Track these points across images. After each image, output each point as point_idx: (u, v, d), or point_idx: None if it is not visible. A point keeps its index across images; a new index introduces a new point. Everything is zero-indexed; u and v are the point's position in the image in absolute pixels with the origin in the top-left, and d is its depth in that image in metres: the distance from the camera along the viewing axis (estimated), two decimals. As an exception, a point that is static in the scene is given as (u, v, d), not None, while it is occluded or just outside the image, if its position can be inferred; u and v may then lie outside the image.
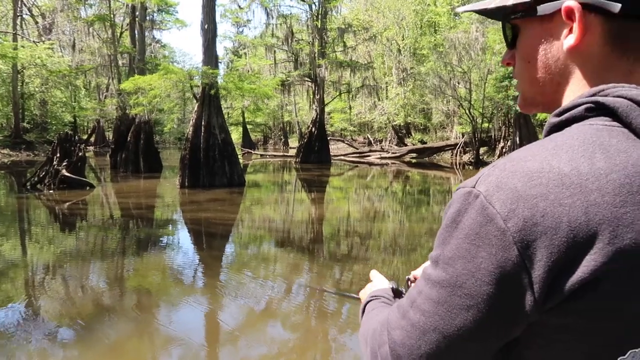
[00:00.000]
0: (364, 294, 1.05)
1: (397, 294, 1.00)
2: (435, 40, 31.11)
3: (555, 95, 0.70)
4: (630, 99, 0.59)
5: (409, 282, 1.07)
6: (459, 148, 31.20)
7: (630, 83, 0.62)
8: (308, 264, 7.25)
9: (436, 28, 33.15)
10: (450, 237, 0.61)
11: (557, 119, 0.65)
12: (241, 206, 13.09)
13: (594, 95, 0.62)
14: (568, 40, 0.65)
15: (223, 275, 6.71)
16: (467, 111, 28.50)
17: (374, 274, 1.11)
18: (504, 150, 28.96)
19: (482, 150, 29.30)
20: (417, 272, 1.05)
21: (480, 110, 28.30)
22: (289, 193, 16.42)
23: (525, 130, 25.73)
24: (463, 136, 31.47)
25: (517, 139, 25.79)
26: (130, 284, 6.06)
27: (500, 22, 0.75)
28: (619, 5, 0.60)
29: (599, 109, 0.61)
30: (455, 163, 28.88)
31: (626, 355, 0.56)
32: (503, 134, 29.65)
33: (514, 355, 0.62)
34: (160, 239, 8.91)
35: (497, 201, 0.57)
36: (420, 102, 34.67)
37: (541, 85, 0.70)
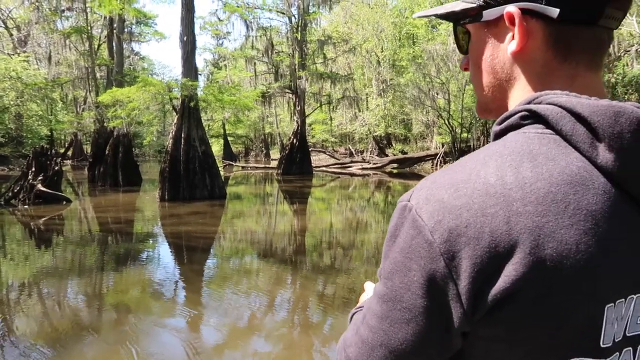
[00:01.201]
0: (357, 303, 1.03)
1: None
2: (414, 51, 31.53)
3: (504, 101, 0.69)
4: (561, 106, 0.58)
5: None
6: (439, 158, 31.51)
7: (573, 87, 0.62)
8: (291, 276, 7.18)
9: (414, 40, 33.63)
10: (389, 251, 0.62)
11: (498, 127, 0.65)
12: (222, 219, 12.95)
13: (529, 103, 0.62)
14: (511, 45, 0.64)
15: (204, 289, 6.59)
16: (446, 121, 28.88)
17: (368, 285, 1.08)
18: (483, 159, 29.39)
19: (461, 159, 29.66)
20: None
21: (459, 121, 28.70)
22: (271, 205, 16.31)
23: (503, 140, 26.18)
24: (443, 146, 31.82)
25: (496, 148, 26.21)
26: (109, 301, 5.90)
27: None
28: (558, 10, 0.60)
29: (533, 117, 0.61)
30: (436, 173, 29.13)
31: None
32: (482, 144, 30.09)
33: None
34: (140, 253, 8.73)
35: (425, 213, 0.57)
36: (400, 112, 35.02)
37: (491, 91, 0.70)
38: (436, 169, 30.44)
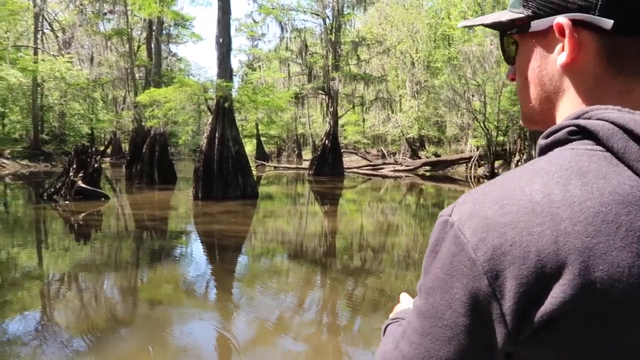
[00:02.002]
0: (393, 315, 1.04)
1: None
2: (449, 53, 31.11)
3: (552, 113, 0.67)
4: (613, 122, 0.55)
5: None
6: (473, 161, 30.98)
7: (626, 102, 0.59)
8: (320, 277, 7.22)
9: (450, 41, 33.19)
10: (430, 267, 0.61)
11: (544, 142, 0.63)
12: (254, 218, 13.11)
13: (577, 117, 0.59)
14: (561, 57, 0.62)
15: (235, 288, 6.71)
16: (481, 124, 28.35)
17: (403, 297, 1.08)
18: (519, 163, 28.69)
19: (497, 163, 29.07)
20: None
21: (495, 124, 28.13)
22: (302, 205, 16.41)
23: (540, 144, 25.50)
24: (478, 149, 31.28)
25: (533, 152, 25.56)
26: (143, 296, 6.08)
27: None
28: (612, 21, 0.57)
29: (582, 132, 0.58)
30: (470, 176, 28.66)
31: None
32: (519, 147, 29.41)
33: None
34: (174, 250, 8.94)
35: (468, 230, 0.56)
36: (434, 114, 34.61)
37: (538, 103, 0.68)
38: (470, 172, 30.00)
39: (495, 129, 28.28)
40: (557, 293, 0.51)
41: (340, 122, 30.70)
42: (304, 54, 27.53)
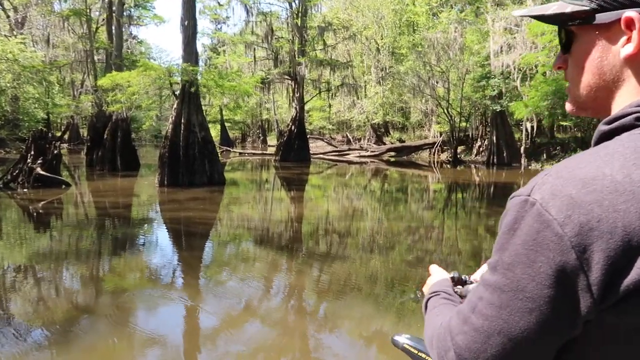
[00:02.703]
0: (425, 286, 1.08)
1: (458, 282, 1.04)
2: (414, 39, 31.35)
3: (607, 101, 0.72)
4: None
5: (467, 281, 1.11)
6: (437, 147, 31.55)
7: None
8: (287, 262, 7.27)
9: (415, 28, 33.41)
10: (507, 244, 0.64)
11: (608, 127, 0.68)
12: (222, 205, 12.99)
13: None
14: (626, 48, 0.67)
15: (203, 275, 6.67)
16: (445, 110, 28.84)
17: (433, 268, 1.13)
18: (481, 149, 29.41)
19: (459, 149, 29.69)
20: (476, 276, 1.09)
21: (458, 110, 28.67)
22: (269, 191, 16.35)
23: (502, 130, 26.17)
24: (441, 135, 31.85)
25: (494, 138, 26.21)
26: (107, 285, 5.96)
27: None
28: None
29: None
30: (433, 162, 29.19)
31: None
32: (480, 133, 30.10)
33: (571, 354, 0.65)
34: (139, 238, 8.78)
35: (553, 208, 0.60)
36: (399, 101, 34.92)
37: (594, 91, 0.72)
38: (434, 157, 30.54)
39: (458, 115, 28.82)
40: None
41: (305, 107, 30.58)
42: (269, 39, 27.18)
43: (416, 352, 1.10)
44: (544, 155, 25.00)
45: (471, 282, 1.06)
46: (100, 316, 4.84)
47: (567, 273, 0.59)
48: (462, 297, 0.98)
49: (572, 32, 0.74)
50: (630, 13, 0.65)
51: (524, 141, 25.00)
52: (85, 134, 33.84)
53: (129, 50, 32.53)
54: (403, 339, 1.12)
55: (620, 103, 0.70)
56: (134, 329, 4.63)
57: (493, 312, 0.65)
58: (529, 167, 24.05)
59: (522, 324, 0.62)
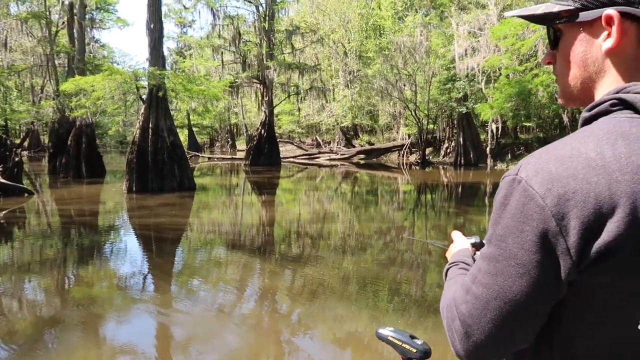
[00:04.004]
0: (447, 254, 1.18)
1: (480, 247, 1.12)
2: (380, 43, 31.73)
3: (591, 91, 0.80)
4: None
5: None
6: (405, 149, 31.97)
7: None
8: (260, 266, 7.22)
9: (381, 31, 33.81)
10: (500, 218, 0.73)
11: (588, 114, 0.77)
12: (193, 210, 12.82)
13: (617, 92, 0.73)
14: (606, 43, 0.75)
15: (174, 281, 6.56)
16: (413, 113, 29.26)
17: (456, 235, 1.22)
18: (448, 150, 29.96)
19: (427, 150, 30.17)
20: None
21: (426, 112, 29.14)
22: (241, 196, 16.24)
23: (468, 131, 26.75)
24: (409, 137, 32.29)
25: (461, 139, 26.76)
26: (74, 295, 5.79)
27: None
28: None
29: (622, 104, 0.72)
30: (402, 163, 29.56)
31: None
32: (447, 135, 30.68)
33: (566, 313, 0.73)
34: (107, 246, 8.58)
35: (536, 183, 0.69)
36: (367, 104, 35.26)
37: (580, 82, 0.81)
38: (402, 159, 30.92)
39: (426, 118, 29.30)
40: (612, 228, 0.64)
41: (275, 111, 30.52)
42: (237, 42, 27.04)
43: (400, 343, 1.15)
44: (509, 155, 25.67)
45: None
46: (68, 328, 4.70)
47: (549, 239, 0.67)
48: None
49: (559, 30, 0.82)
50: (609, 11, 0.73)
51: (489, 142, 25.62)
52: (47, 141, 32.81)
53: (92, 54, 31.76)
54: (387, 332, 1.18)
55: (602, 92, 0.78)
56: (103, 340, 4.52)
57: (490, 280, 0.73)
58: (495, 167, 24.64)
59: (515, 287, 0.71)
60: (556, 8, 0.80)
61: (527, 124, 25.15)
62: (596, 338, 0.72)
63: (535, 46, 17.86)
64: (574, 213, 0.65)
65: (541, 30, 16.36)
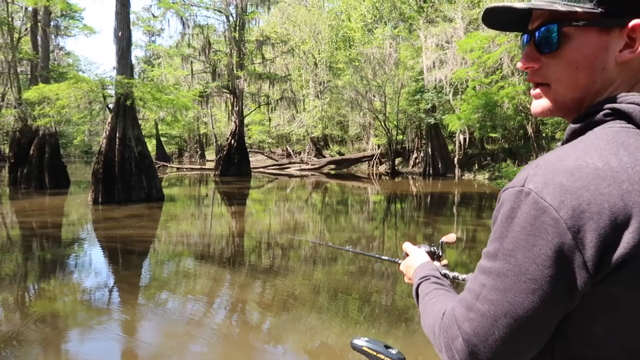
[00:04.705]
0: (406, 268, 1.14)
1: (432, 256, 1.12)
2: (350, 54, 32.09)
3: (588, 101, 0.78)
4: None
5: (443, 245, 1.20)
6: (375, 159, 32.26)
7: None
8: (230, 278, 7.14)
9: (351, 43, 34.21)
10: (507, 232, 0.70)
11: (579, 125, 0.76)
12: (161, 221, 12.59)
13: (608, 102, 0.74)
14: (625, 53, 0.73)
15: (142, 294, 6.41)
16: (382, 123, 29.60)
17: (408, 247, 1.19)
18: (417, 160, 30.39)
19: (397, 160, 30.53)
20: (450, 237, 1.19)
21: (395, 123, 29.52)
22: (210, 207, 16.04)
23: (436, 142, 27.21)
24: (379, 147, 32.61)
25: (429, 149, 27.20)
26: (35, 311, 5.58)
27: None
28: None
29: (615, 114, 0.73)
30: (372, 173, 29.80)
31: None
32: (416, 145, 31.14)
33: (571, 326, 0.71)
34: (71, 260, 8.32)
35: (548, 195, 0.67)
36: (338, 114, 35.51)
37: (580, 90, 0.77)
38: (372, 170, 31.16)
39: (395, 128, 29.68)
40: (629, 239, 0.64)
41: (245, 121, 30.39)
42: (207, 52, 26.87)
43: (375, 353, 1.14)
44: (476, 165, 26.23)
45: (439, 254, 1.17)
46: (27, 345, 4.52)
47: (565, 253, 0.65)
48: (450, 278, 1.05)
49: (565, 33, 0.76)
50: (637, 21, 0.71)
51: (457, 152, 26.13)
52: (7, 151, 31.71)
53: (56, 62, 30.99)
54: (361, 342, 1.17)
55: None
56: (65, 357, 4.37)
57: (498, 297, 0.70)
58: (463, 177, 25.12)
59: (526, 304, 0.68)
60: (562, 7, 0.75)
61: (493, 135, 25.79)
62: (602, 349, 0.71)
63: (501, 59, 18.39)
64: (590, 225, 0.64)
65: (506, 44, 16.87)
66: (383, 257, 1.49)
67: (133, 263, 7.98)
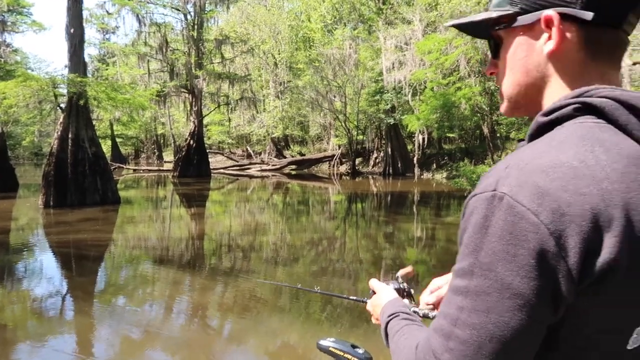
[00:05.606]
0: (373, 307, 1.06)
1: (401, 293, 1.06)
2: (310, 55, 32.12)
3: (537, 98, 0.76)
4: (614, 99, 0.67)
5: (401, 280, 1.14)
6: (336, 159, 32.42)
7: (604, 83, 0.71)
8: (189, 282, 7.00)
9: (311, 43, 34.25)
10: (481, 243, 0.62)
11: (546, 119, 0.71)
12: (117, 225, 12.22)
13: (579, 96, 0.69)
14: (548, 45, 0.72)
15: (97, 301, 6.20)
16: (343, 124, 29.78)
17: (375, 284, 1.11)
18: (377, 160, 30.74)
19: (357, 160, 30.78)
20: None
21: (355, 123, 29.76)
22: (169, 209, 15.70)
23: (395, 142, 27.61)
24: (339, 148, 32.79)
25: (389, 149, 27.57)
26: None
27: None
28: (591, 13, 0.68)
29: (585, 109, 0.68)
30: (333, 174, 29.94)
31: None
32: (376, 145, 31.49)
33: (551, 339, 0.65)
34: (20, 266, 7.95)
35: (524, 198, 0.60)
36: (298, 114, 35.49)
37: (524, 89, 0.77)
38: (333, 170, 31.31)
39: (355, 128, 29.92)
40: (612, 243, 0.58)
41: (204, 121, 29.94)
42: (164, 50, 26.28)
43: (342, 354, 1.13)
44: (434, 164, 26.77)
45: (409, 290, 1.11)
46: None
47: (549, 261, 0.59)
48: (421, 315, 0.98)
49: (500, 37, 0.79)
50: (549, 12, 0.70)
51: (416, 152, 26.59)
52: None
53: (2, 59, 29.61)
54: (328, 342, 1.15)
55: (550, 98, 0.74)
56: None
57: (480, 319, 0.61)
58: (422, 177, 25.60)
59: (513, 323, 0.60)
60: (495, 13, 0.76)
61: (451, 135, 26.39)
62: None
63: (458, 61, 18.82)
64: (573, 229, 0.58)
65: (463, 46, 17.29)
66: (351, 298, 1.41)
67: (87, 269, 7.70)
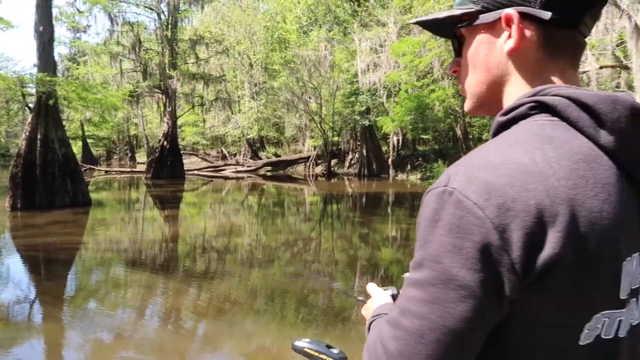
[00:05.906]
0: (366, 310, 1.05)
1: (394, 299, 1.03)
2: (286, 56, 32.05)
3: (499, 96, 0.78)
4: (567, 97, 0.68)
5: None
6: (311, 160, 32.43)
7: (562, 82, 0.73)
8: (163, 285, 6.91)
9: (287, 45, 34.18)
10: (431, 236, 0.64)
11: (505, 118, 0.73)
12: (88, 228, 11.96)
13: (534, 95, 0.71)
14: (508, 44, 0.73)
15: (67, 306, 6.05)
16: (318, 125, 29.81)
17: (371, 288, 1.10)
18: (352, 161, 30.88)
19: (333, 162, 30.86)
20: None
21: (331, 124, 29.83)
22: (141, 211, 15.45)
23: (370, 143, 27.78)
24: (315, 149, 32.81)
25: (364, 151, 27.72)
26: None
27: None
28: (550, 13, 0.70)
29: (540, 107, 0.70)
30: (309, 175, 29.95)
31: (591, 321, 0.65)
32: (351, 147, 31.63)
33: (499, 336, 0.65)
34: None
35: (472, 193, 0.62)
36: (274, 115, 35.36)
37: (486, 87, 0.78)
38: (309, 171, 31.33)
39: (331, 130, 29.99)
40: (556, 239, 0.60)
41: (178, 122, 29.57)
42: (137, 50, 25.84)
43: (317, 354, 1.12)
44: (409, 166, 27.04)
45: None
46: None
47: (493, 255, 0.60)
48: None
49: (462, 35, 0.80)
50: (509, 11, 0.72)
51: (391, 153, 26.82)
52: None
53: (-32, 58, 28.69)
54: (303, 343, 1.14)
55: (510, 96, 0.76)
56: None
57: (425, 309, 0.63)
58: (396, 178, 25.82)
59: (456, 314, 0.61)
60: (458, 11, 0.78)
61: (424, 137, 26.68)
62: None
63: (432, 63, 19.07)
64: (516, 224, 0.60)
65: (436, 49, 17.53)
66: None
67: (57, 273, 7.52)
